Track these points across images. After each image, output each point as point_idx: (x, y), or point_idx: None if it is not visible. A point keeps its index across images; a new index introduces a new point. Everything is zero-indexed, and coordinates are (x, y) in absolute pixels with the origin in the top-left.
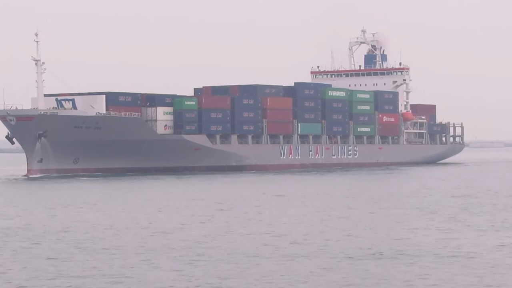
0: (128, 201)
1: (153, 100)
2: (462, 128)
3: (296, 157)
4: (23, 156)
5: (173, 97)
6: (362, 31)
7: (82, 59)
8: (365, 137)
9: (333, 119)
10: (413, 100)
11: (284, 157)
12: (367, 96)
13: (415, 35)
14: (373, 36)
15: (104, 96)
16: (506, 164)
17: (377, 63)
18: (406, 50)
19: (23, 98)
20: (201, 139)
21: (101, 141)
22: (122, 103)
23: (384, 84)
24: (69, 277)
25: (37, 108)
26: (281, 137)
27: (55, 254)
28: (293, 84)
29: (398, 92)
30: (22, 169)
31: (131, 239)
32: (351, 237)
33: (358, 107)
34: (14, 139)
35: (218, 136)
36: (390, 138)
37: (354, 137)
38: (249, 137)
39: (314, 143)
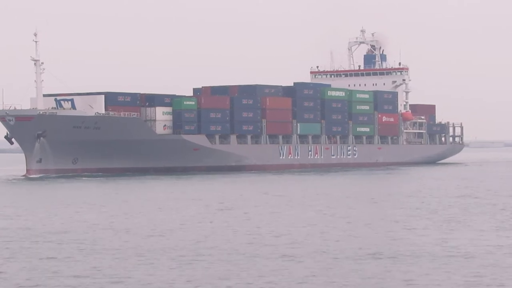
0: (128, 201)
1: (152, 100)
2: (462, 128)
3: (296, 157)
4: (22, 156)
5: (172, 97)
6: (362, 31)
7: (82, 59)
8: (364, 137)
9: (332, 119)
10: (412, 100)
11: (283, 157)
12: (366, 96)
13: (415, 35)
14: (373, 36)
15: (103, 96)
16: (506, 164)
17: (377, 63)
18: (405, 50)
19: (23, 98)
20: (200, 139)
21: (100, 141)
22: (121, 103)
23: (384, 84)
24: (69, 277)
25: (36, 108)
26: (280, 137)
27: (55, 254)
28: (292, 84)
29: (397, 92)
30: (21, 169)
31: (131, 239)
32: (351, 237)
33: (358, 107)
34: (13, 139)
35: (217, 136)
36: (389, 138)
37: (353, 137)
38: (248, 137)
39: (313, 143)
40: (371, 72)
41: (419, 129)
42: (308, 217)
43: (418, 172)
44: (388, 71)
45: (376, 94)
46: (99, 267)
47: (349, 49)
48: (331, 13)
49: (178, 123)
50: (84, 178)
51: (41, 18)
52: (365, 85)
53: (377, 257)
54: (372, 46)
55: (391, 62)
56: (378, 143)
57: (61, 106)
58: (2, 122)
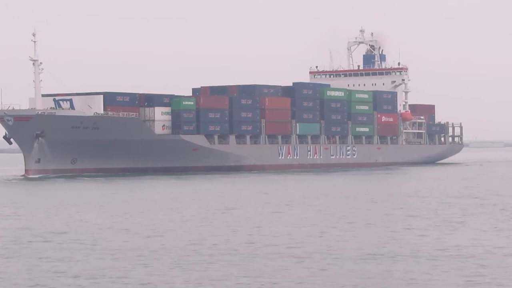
0: (127, 201)
1: (151, 100)
2: (461, 128)
3: (295, 157)
4: (21, 156)
5: (171, 97)
6: (361, 31)
7: (82, 59)
8: (363, 137)
9: (331, 119)
10: (412, 100)
11: (283, 157)
12: (365, 96)
13: (415, 35)
14: (372, 36)
15: (102, 96)
16: (506, 164)
17: (376, 63)
18: (405, 50)
19: (22, 98)
20: (199, 139)
21: (99, 141)
22: (120, 103)
23: (383, 84)
24: (69, 277)
25: (34, 108)
26: (279, 137)
27: (55, 254)
28: (291, 84)
29: (396, 92)
30: (20, 169)
31: (131, 239)
32: (351, 237)
33: (357, 107)
34: (11, 139)
35: (216, 136)
36: (388, 138)
37: (352, 137)
38: (247, 137)
39: (312, 143)
40: (370, 72)
41: (418, 129)
42: (308, 217)
43: (417, 172)
44: (388, 71)
45: (375, 94)
46: (99, 267)
47: (348, 49)
48: (331, 13)
49: (177, 123)
50: (84, 178)
51: (41, 18)
52: (364, 85)
53: (377, 257)
54: (372, 46)
55: (390, 62)
56: (377, 143)
57: (59, 106)
58: (0, 122)
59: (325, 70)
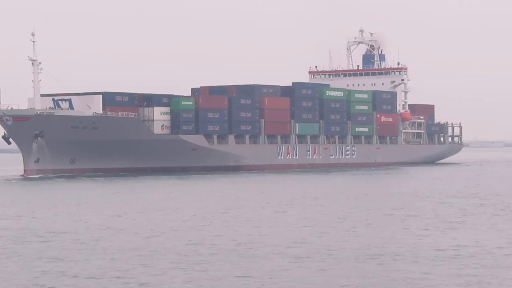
0: (127, 201)
1: (150, 100)
2: (461, 128)
3: (294, 157)
4: (20, 156)
5: (170, 97)
6: (360, 30)
7: (82, 59)
8: (363, 137)
9: (331, 119)
10: (412, 100)
11: (282, 157)
12: (365, 96)
13: (415, 35)
14: (371, 35)
15: (101, 96)
16: (506, 164)
17: (375, 63)
18: (405, 50)
19: (22, 98)
20: (198, 139)
21: (98, 141)
22: (119, 103)
23: (382, 84)
24: (69, 277)
25: (33, 108)
26: (278, 137)
27: (55, 255)
28: (291, 84)
29: (396, 92)
30: (19, 170)
31: (131, 239)
32: (351, 237)
33: (356, 107)
34: (10, 139)
35: (215, 136)
36: (388, 138)
37: (352, 137)
38: (247, 137)
39: (312, 143)
40: (369, 72)
41: (418, 129)
42: (308, 217)
43: (417, 172)
44: (387, 71)
45: (374, 94)
46: (99, 267)
47: (347, 49)
48: (331, 13)
49: (176, 123)
50: (84, 178)
51: (41, 18)
52: (363, 85)
53: (377, 257)
54: (371, 46)
55: (389, 62)
56: (376, 143)
57: (58, 106)
58: None
59: (324, 70)
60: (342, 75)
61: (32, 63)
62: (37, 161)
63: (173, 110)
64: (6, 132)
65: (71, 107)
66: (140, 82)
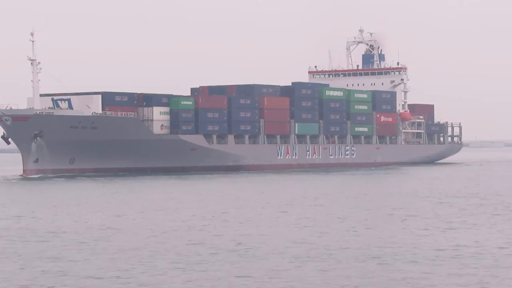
0: (127, 202)
1: (150, 100)
2: (460, 128)
3: (293, 157)
4: (19, 156)
5: (170, 97)
6: (360, 30)
7: (82, 59)
8: (362, 137)
9: (330, 119)
10: (412, 100)
11: (281, 157)
12: (364, 95)
13: (414, 35)
14: (371, 35)
15: (100, 96)
16: (506, 164)
17: (375, 62)
18: (405, 50)
19: (21, 98)
20: (197, 139)
21: (97, 141)
22: (118, 103)
23: (382, 84)
24: (69, 277)
25: (32, 108)
26: (278, 137)
27: (55, 254)
28: (290, 84)
29: (395, 92)
30: (19, 169)
31: (131, 239)
32: (351, 237)
33: (356, 107)
34: (9, 139)
35: (214, 136)
36: (387, 138)
37: (351, 137)
38: (246, 137)
39: (311, 143)
40: (369, 71)
41: (417, 129)
42: (308, 217)
43: (416, 172)
44: (387, 71)
45: (374, 94)
46: (99, 267)
47: (347, 49)
48: (331, 13)
49: (175, 123)
50: (84, 178)
51: (41, 18)
52: (363, 84)
53: (377, 257)
54: (371, 45)
55: (389, 62)
56: (376, 143)
57: (58, 106)
58: None
59: (324, 70)
60: (342, 75)
61: (31, 63)
62: (36, 161)
63: (173, 110)
64: (5, 132)
65: (70, 107)
66: (140, 82)
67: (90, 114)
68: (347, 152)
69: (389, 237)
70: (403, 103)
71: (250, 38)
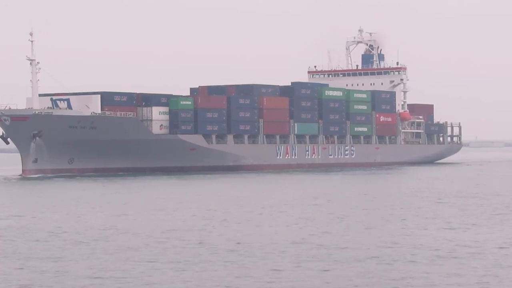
0: (127, 201)
1: (149, 100)
2: (460, 128)
3: (293, 157)
4: (18, 156)
5: (169, 96)
6: (359, 30)
7: (82, 59)
8: (362, 137)
9: (330, 119)
10: (411, 100)
11: (281, 157)
12: (364, 95)
13: (414, 35)
14: (370, 35)
15: (99, 96)
16: (506, 164)
17: (374, 62)
18: (405, 50)
19: (20, 98)
20: (197, 139)
21: (96, 141)
22: (117, 103)
23: (381, 83)
24: (69, 277)
25: (31, 108)
26: (277, 137)
27: (55, 254)
28: (290, 84)
29: (395, 92)
30: (18, 169)
31: (131, 239)
32: (351, 238)
33: (355, 106)
34: (8, 139)
35: (214, 136)
36: (387, 138)
37: (351, 137)
38: (245, 137)
39: (310, 143)
40: (368, 71)
41: (417, 129)
42: (308, 217)
43: (416, 172)
44: (386, 71)
45: (373, 94)
46: (99, 267)
47: (347, 49)
48: (331, 13)
49: (174, 123)
50: (84, 178)
51: (40, 18)
52: (362, 84)
53: (377, 257)
54: (370, 45)
55: (389, 62)
56: (375, 143)
57: (57, 106)
58: None
59: (323, 70)
60: (341, 75)
61: (30, 63)
62: (35, 161)
63: (172, 110)
64: (4, 132)
65: (69, 107)
66: (140, 82)
67: (89, 114)
68: (346, 152)
69: (389, 237)
70: (402, 103)
71: (250, 38)
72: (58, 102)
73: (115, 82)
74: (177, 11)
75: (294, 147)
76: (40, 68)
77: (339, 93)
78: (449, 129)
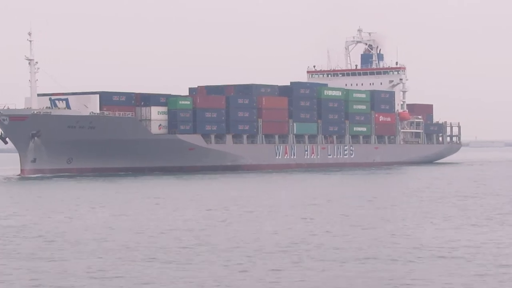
0: (127, 201)
1: (147, 99)
2: (459, 127)
3: (292, 157)
4: (17, 156)
5: (168, 96)
6: (359, 30)
7: (82, 59)
8: (361, 137)
9: (329, 119)
10: (411, 100)
11: (280, 157)
12: (363, 95)
13: (414, 35)
14: (370, 35)
15: (98, 95)
16: (506, 164)
17: (374, 62)
18: (405, 50)
19: (18, 97)
20: (195, 139)
21: (95, 141)
22: (116, 103)
23: (381, 83)
24: (69, 277)
25: (30, 107)
26: (276, 136)
27: (55, 254)
28: (289, 84)
29: (394, 92)
30: (17, 169)
31: (131, 239)
32: (351, 238)
33: (354, 106)
34: (7, 139)
35: (212, 136)
36: (386, 137)
37: (350, 136)
38: (244, 136)
39: (309, 142)
40: (368, 71)
41: (416, 129)
42: (307, 217)
43: (415, 171)
44: (385, 71)
45: (373, 94)
46: (100, 267)
47: (346, 49)
48: (331, 13)
49: (173, 123)
50: (84, 178)
51: (40, 18)
52: (362, 84)
53: (377, 257)
54: (369, 45)
55: (388, 62)
56: (375, 142)
57: (55, 105)
58: None
59: (322, 69)
60: (340, 75)
61: (29, 63)
62: (34, 160)
63: (171, 110)
64: (2, 132)
65: (68, 106)
66: (140, 82)
67: (88, 114)
68: (345, 152)
69: (389, 237)
70: (401, 103)
71: (249, 38)
72: (56, 102)
73: (114, 82)
74: (177, 11)
75: (293, 147)
76: (38, 68)
77: (338, 93)
78: (448, 129)
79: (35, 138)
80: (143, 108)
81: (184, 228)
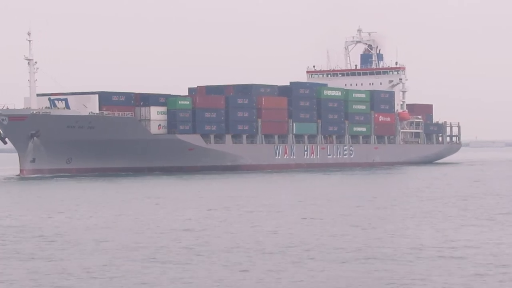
0: (127, 201)
1: (147, 99)
2: (459, 127)
3: (291, 157)
4: (16, 156)
5: (167, 96)
6: (358, 30)
7: (81, 59)
8: (361, 137)
9: (328, 119)
10: (411, 100)
11: (279, 157)
12: (363, 95)
13: (414, 35)
14: (369, 35)
15: (97, 95)
16: (506, 164)
17: (373, 62)
18: (405, 50)
19: (18, 97)
20: (195, 139)
21: (94, 141)
22: (116, 103)
23: (380, 83)
24: (69, 277)
25: (29, 107)
26: (276, 136)
27: (55, 254)
28: (288, 84)
29: (394, 92)
30: (15, 169)
31: (131, 239)
32: (351, 238)
33: (354, 106)
34: (6, 139)
35: (212, 136)
36: (386, 137)
37: (349, 136)
38: (244, 136)
39: (309, 143)
40: (367, 71)
41: (416, 129)
42: (307, 217)
43: (415, 171)
44: (385, 71)
45: (372, 94)
46: (99, 267)
47: (345, 49)
48: (331, 13)
49: (172, 123)
50: (83, 178)
51: (40, 18)
52: (361, 84)
53: (377, 257)
54: (369, 45)
55: (387, 62)
56: (374, 142)
57: (55, 105)
58: None
59: (322, 69)
60: (340, 75)
61: (28, 63)
62: (33, 160)
63: (170, 110)
64: (2, 132)
65: (67, 106)
66: (140, 82)
67: (87, 114)
68: (345, 152)
69: (389, 237)
70: (401, 103)
71: (249, 38)
72: (56, 102)
73: (114, 82)
74: (177, 11)
75: (292, 147)
76: (38, 68)
77: (338, 93)
78: (448, 129)
79: (34, 138)
80: (143, 108)
81: (184, 228)
